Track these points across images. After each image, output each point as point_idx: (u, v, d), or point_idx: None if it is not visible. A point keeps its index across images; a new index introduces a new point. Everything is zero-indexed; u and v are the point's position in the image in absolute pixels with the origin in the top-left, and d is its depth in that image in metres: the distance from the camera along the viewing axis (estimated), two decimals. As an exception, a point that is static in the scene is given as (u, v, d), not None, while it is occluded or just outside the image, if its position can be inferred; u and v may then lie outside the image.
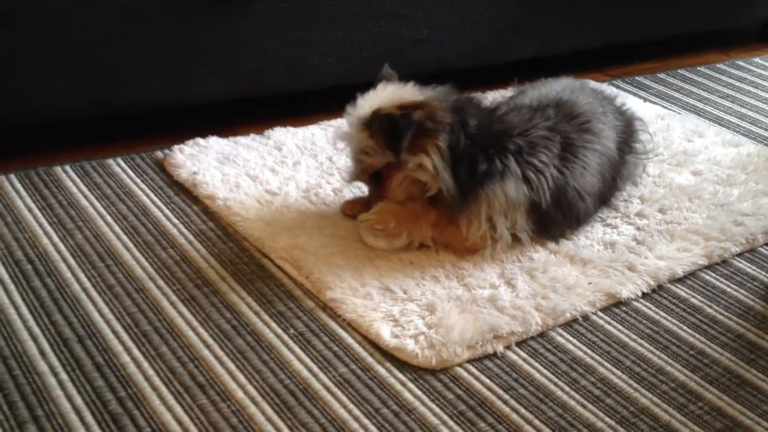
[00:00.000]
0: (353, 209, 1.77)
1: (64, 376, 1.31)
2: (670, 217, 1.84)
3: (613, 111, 1.88)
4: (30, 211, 1.76)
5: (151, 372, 1.33)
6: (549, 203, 1.67)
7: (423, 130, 1.60)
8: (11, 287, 1.51)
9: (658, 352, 1.47)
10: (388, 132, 1.60)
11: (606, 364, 1.43)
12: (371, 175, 1.70)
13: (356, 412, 1.29)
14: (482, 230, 1.64)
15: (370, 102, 1.66)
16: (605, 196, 1.83)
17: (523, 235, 1.68)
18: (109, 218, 1.75)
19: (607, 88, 2.53)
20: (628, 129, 1.89)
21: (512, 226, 1.66)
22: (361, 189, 1.84)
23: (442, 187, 1.61)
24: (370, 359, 1.40)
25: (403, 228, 1.65)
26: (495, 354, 1.43)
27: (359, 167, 1.70)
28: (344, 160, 1.94)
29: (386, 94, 1.67)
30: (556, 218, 1.70)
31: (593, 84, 1.95)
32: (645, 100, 2.51)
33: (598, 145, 1.76)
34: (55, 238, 1.66)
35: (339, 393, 1.32)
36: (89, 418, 1.24)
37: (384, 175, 1.67)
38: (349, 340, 1.44)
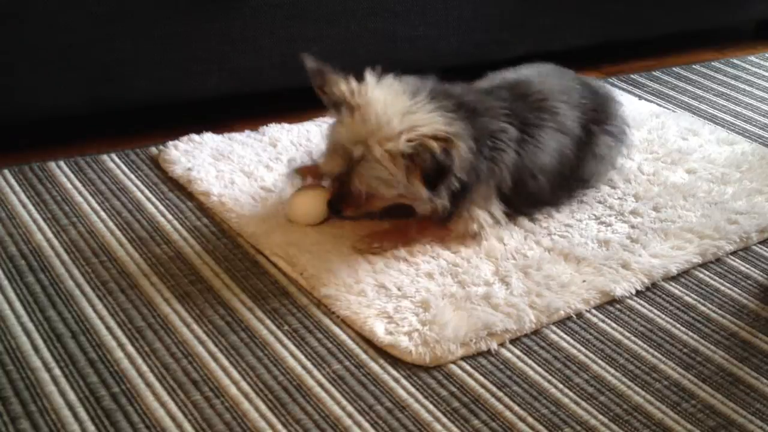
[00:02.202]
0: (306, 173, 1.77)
1: (57, 371, 1.31)
2: (665, 215, 1.85)
3: (579, 90, 1.87)
4: (24, 206, 1.75)
5: (144, 368, 1.33)
6: (510, 187, 1.71)
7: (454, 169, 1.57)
8: (5, 283, 1.51)
9: (651, 350, 1.47)
10: (432, 172, 1.54)
11: (600, 361, 1.43)
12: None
13: (350, 408, 1.29)
14: (468, 226, 1.68)
15: (389, 115, 1.56)
16: (567, 174, 1.82)
17: (497, 213, 1.72)
18: (103, 214, 1.74)
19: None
20: (600, 108, 1.88)
21: (490, 213, 1.71)
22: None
23: (436, 212, 1.65)
24: (363, 356, 1.40)
25: (394, 243, 1.66)
26: (489, 351, 1.43)
27: (364, 188, 1.60)
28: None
29: (405, 108, 1.58)
30: (513, 197, 1.73)
31: (568, 70, 1.95)
32: (640, 98, 2.51)
33: (552, 122, 1.77)
34: (49, 234, 1.66)
35: (333, 389, 1.32)
36: (83, 414, 1.24)
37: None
38: (343, 336, 1.44)
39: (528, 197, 1.76)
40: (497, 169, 1.68)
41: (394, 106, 1.58)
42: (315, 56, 1.65)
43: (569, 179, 1.84)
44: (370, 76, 1.63)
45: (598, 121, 1.87)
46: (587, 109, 1.85)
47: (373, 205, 1.66)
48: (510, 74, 1.86)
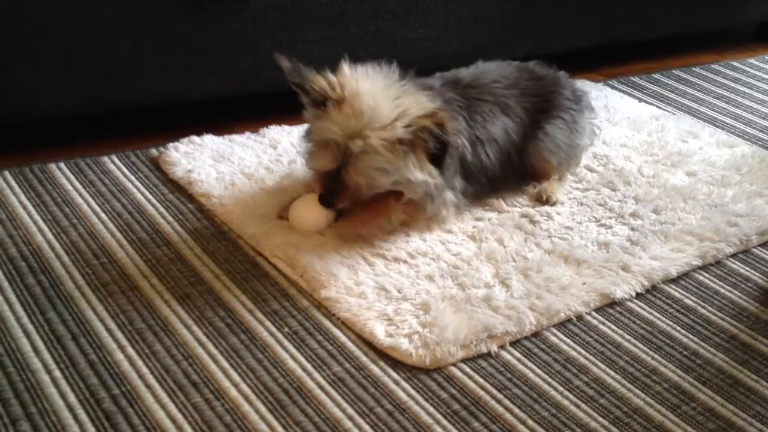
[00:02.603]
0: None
1: (57, 373, 1.31)
2: (665, 217, 1.85)
3: (518, 76, 1.89)
4: (24, 208, 1.75)
5: (144, 370, 1.33)
6: (471, 157, 1.74)
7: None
8: (5, 284, 1.51)
9: (651, 353, 1.47)
10: (437, 149, 1.58)
11: (600, 364, 1.43)
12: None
13: (350, 410, 1.29)
14: (441, 200, 1.71)
15: (377, 102, 1.57)
16: (515, 157, 1.84)
17: (460, 195, 1.75)
18: (103, 216, 1.74)
19: (600, 87, 2.54)
20: (545, 94, 1.90)
21: (455, 189, 1.74)
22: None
23: (423, 200, 1.68)
24: (364, 358, 1.40)
25: (378, 225, 1.68)
26: (489, 353, 1.43)
27: (361, 179, 1.60)
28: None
29: (384, 94, 1.60)
30: (473, 168, 1.76)
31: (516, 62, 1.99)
32: (640, 100, 2.51)
33: (492, 99, 1.80)
34: (50, 236, 1.66)
35: (333, 392, 1.32)
36: (83, 416, 1.23)
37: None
38: (344, 338, 1.44)
39: (482, 169, 1.78)
40: (460, 142, 1.71)
41: (382, 94, 1.60)
42: (286, 56, 1.65)
43: (516, 162, 1.85)
44: (346, 68, 1.65)
45: (544, 108, 1.88)
46: (529, 91, 1.87)
47: (366, 195, 1.66)
48: (445, 73, 1.88)
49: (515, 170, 1.87)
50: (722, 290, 1.66)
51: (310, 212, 1.70)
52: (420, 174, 1.62)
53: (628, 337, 1.50)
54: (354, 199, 1.67)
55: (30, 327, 1.41)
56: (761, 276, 1.71)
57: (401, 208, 1.71)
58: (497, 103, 1.82)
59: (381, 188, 1.65)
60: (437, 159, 1.61)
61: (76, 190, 1.84)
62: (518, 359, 1.43)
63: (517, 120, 1.84)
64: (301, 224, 1.69)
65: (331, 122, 1.60)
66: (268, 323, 1.46)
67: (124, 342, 1.39)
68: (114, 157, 1.98)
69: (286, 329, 1.45)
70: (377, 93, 1.60)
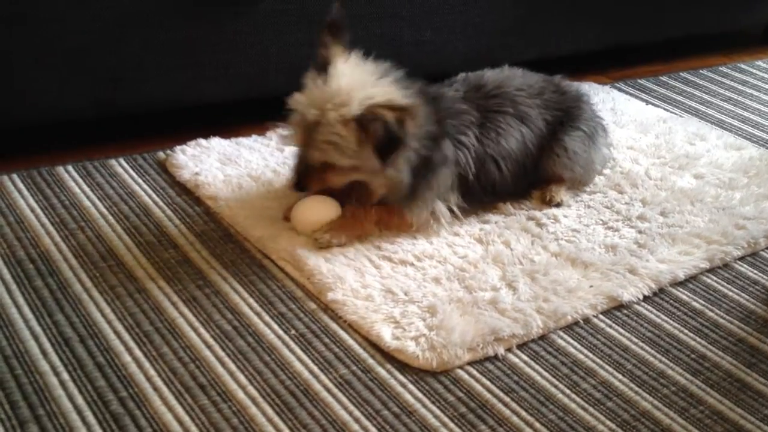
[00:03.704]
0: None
1: (65, 375, 1.31)
2: (672, 220, 1.84)
3: (542, 88, 1.88)
4: (32, 210, 1.76)
5: (152, 372, 1.33)
6: (474, 174, 1.74)
7: (408, 141, 1.60)
8: (13, 287, 1.52)
9: (659, 356, 1.47)
10: (383, 140, 1.56)
11: (607, 367, 1.43)
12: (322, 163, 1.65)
13: (357, 413, 1.29)
14: (426, 215, 1.70)
15: (349, 84, 1.59)
16: (529, 167, 1.83)
17: (455, 208, 1.74)
18: (111, 218, 1.75)
19: (607, 89, 2.54)
20: (567, 107, 1.89)
21: (448, 202, 1.73)
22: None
23: (395, 190, 1.67)
24: (371, 361, 1.40)
25: (352, 236, 1.68)
26: (496, 356, 1.43)
27: (320, 155, 1.61)
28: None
29: (366, 81, 1.61)
30: (476, 185, 1.76)
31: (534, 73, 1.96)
32: (647, 102, 2.51)
33: (512, 110, 1.79)
34: (57, 238, 1.67)
35: (340, 394, 1.32)
36: (90, 418, 1.24)
37: (337, 167, 1.64)
38: (350, 341, 1.44)
39: (489, 186, 1.78)
40: (461, 154, 1.71)
41: (357, 78, 1.61)
42: (342, 10, 1.67)
43: (530, 173, 1.85)
44: (353, 53, 1.65)
45: (565, 119, 1.88)
46: (552, 103, 1.87)
47: (332, 180, 1.66)
48: (470, 74, 1.88)
49: (528, 180, 1.86)
50: (730, 293, 1.65)
51: (311, 213, 1.70)
52: (378, 164, 1.60)
53: (636, 340, 1.50)
54: (325, 183, 1.67)
55: (38, 329, 1.41)
56: (769, 279, 1.71)
57: (378, 217, 1.70)
58: (517, 113, 1.81)
59: (342, 172, 1.63)
60: (383, 152, 1.58)
61: (84, 192, 1.84)
62: (525, 362, 1.43)
63: (537, 130, 1.83)
64: (302, 225, 1.70)
65: (305, 94, 1.63)
66: (275, 326, 1.46)
67: (132, 344, 1.39)
68: (121, 160, 1.98)
69: (293, 332, 1.45)
70: (353, 76, 1.62)
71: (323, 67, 1.62)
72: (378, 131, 1.56)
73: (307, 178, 1.66)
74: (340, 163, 1.62)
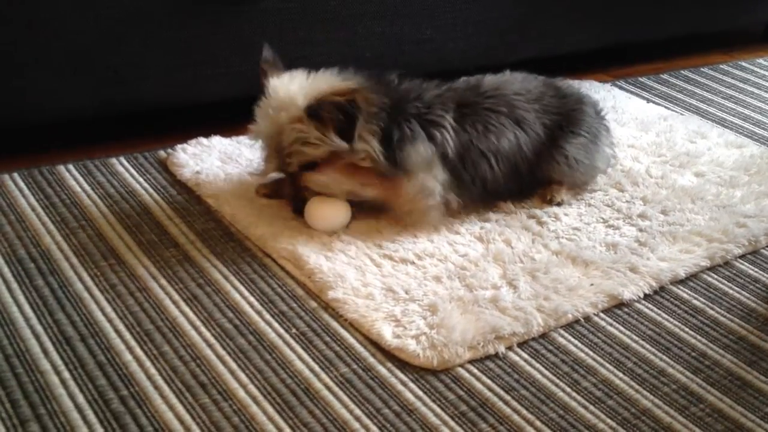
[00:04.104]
0: (267, 189, 1.82)
1: (66, 374, 1.32)
2: (673, 218, 1.84)
3: (542, 92, 1.87)
4: (33, 209, 1.76)
5: (153, 371, 1.34)
6: (455, 155, 1.74)
7: (364, 116, 1.64)
8: (14, 286, 1.52)
9: (659, 354, 1.47)
10: (341, 120, 1.62)
11: (608, 365, 1.43)
12: (302, 166, 1.68)
13: (357, 412, 1.29)
14: (418, 184, 1.70)
15: (289, 90, 1.66)
16: (525, 171, 1.83)
17: (451, 195, 1.74)
18: (111, 217, 1.75)
19: (607, 88, 2.54)
20: (567, 112, 1.88)
21: (435, 178, 1.72)
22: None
23: (377, 167, 1.68)
24: (371, 359, 1.40)
25: (352, 189, 1.71)
26: (496, 355, 1.43)
27: (296, 159, 1.66)
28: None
29: (305, 82, 1.68)
30: (464, 176, 1.76)
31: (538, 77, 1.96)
32: (648, 101, 2.50)
33: (507, 111, 1.80)
34: (58, 237, 1.67)
35: (340, 393, 1.32)
36: (91, 417, 1.24)
37: (321, 164, 1.67)
38: (351, 340, 1.44)
39: (480, 180, 1.78)
40: (437, 133, 1.72)
41: (296, 84, 1.68)
42: (270, 50, 1.76)
43: (526, 176, 1.84)
44: (280, 72, 1.73)
45: (565, 125, 1.87)
46: (551, 108, 1.86)
47: (323, 179, 1.68)
48: (470, 78, 1.89)
49: (525, 184, 1.86)
50: (731, 291, 1.65)
51: (328, 211, 1.70)
52: (345, 143, 1.64)
53: (636, 338, 1.50)
54: (316, 189, 1.69)
55: (39, 328, 1.41)
56: (770, 277, 1.71)
57: (376, 184, 1.72)
58: (512, 115, 1.80)
59: (323, 165, 1.67)
60: (343, 132, 1.63)
61: (85, 191, 1.84)
62: (526, 360, 1.43)
63: (534, 135, 1.82)
64: (319, 223, 1.70)
65: (258, 120, 1.71)
66: (275, 324, 1.46)
67: (133, 343, 1.39)
68: (122, 159, 1.98)
69: (294, 330, 1.46)
70: (292, 84, 1.68)
71: (262, 92, 1.70)
72: (332, 114, 1.61)
73: (300, 192, 1.71)
74: (315, 154, 1.65)
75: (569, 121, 1.88)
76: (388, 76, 1.79)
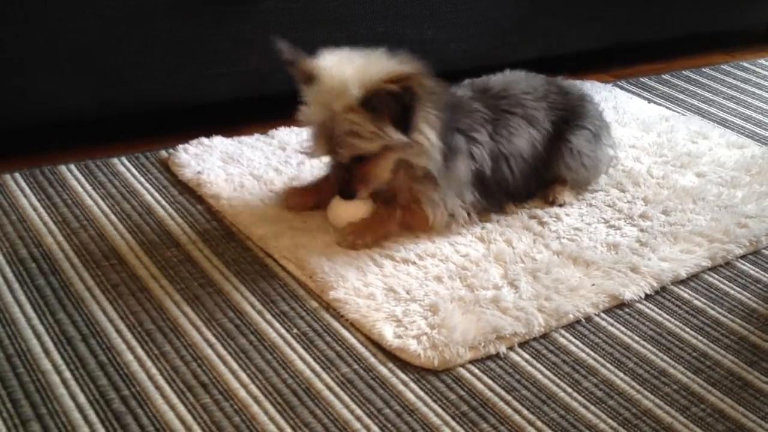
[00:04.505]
0: (304, 202, 1.76)
1: (67, 374, 1.32)
2: (674, 218, 1.84)
3: (546, 89, 1.87)
4: (34, 209, 1.76)
5: (154, 371, 1.34)
6: (491, 170, 1.73)
7: (422, 104, 1.57)
8: (15, 286, 1.52)
9: (660, 354, 1.47)
10: (397, 111, 1.53)
11: (609, 365, 1.43)
12: (354, 158, 1.62)
13: (358, 412, 1.29)
14: (445, 214, 1.69)
15: (343, 75, 1.56)
16: (539, 168, 1.83)
17: (471, 208, 1.73)
18: (113, 217, 1.75)
19: (609, 88, 2.54)
20: (570, 107, 1.89)
21: (463, 202, 1.72)
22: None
23: (429, 165, 1.64)
24: (372, 359, 1.40)
25: (377, 237, 1.67)
26: (497, 355, 1.43)
27: (348, 151, 1.59)
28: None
29: (358, 65, 1.58)
30: (492, 186, 1.75)
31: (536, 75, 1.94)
32: (649, 101, 2.50)
33: (521, 112, 1.79)
34: (60, 237, 1.67)
35: (341, 393, 1.32)
36: (92, 417, 1.24)
37: (372, 157, 1.61)
38: (352, 340, 1.44)
39: (504, 185, 1.78)
40: (476, 149, 1.70)
41: (348, 66, 1.58)
42: (286, 42, 1.65)
43: (539, 174, 1.84)
44: (326, 52, 1.63)
45: (570, 119, 1.87)
46: (556, 105, 1.86)
47: (375, 173, 1.64)
48: (474, 80, 1.87)
49: (537, 182, 1.86)
50: (732, 292, 1.65)
51: (353, 210, 1.69)
52: (402, 135, 1.57)
53: (637, 338, 1.50)
54: (369, 181, 1.64)
55: (40, 328, 1.42)
56: (771, 277, 1.71)
57: (401, 218, 1.70)
58: (525, 115, 1.80)
59: (375, 158, 1.60)
60: (401, 123, 1.55)
61: (86, 191, 1.84)
62: (527, 361, 1.43)
63: (544, 132, 1.82)
64: (339, 222, 1.70)
65: (309, 105, 1.62)
66: (277, 324, 1.47)
67: (134, 343, 1.39)
68: (124, 159, 1.98)
69: (295, 330, 1.46)
70: (343, 66, 1.58)
71: (309, 78, 1.60)
72: (389, 105, 1.53)
73: (351, 182, 1.64)
74: (369, 148, 1.58)
75: (574, 115, 1.88)
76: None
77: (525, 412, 1.31)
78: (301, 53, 1.63)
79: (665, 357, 1.46)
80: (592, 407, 1.34)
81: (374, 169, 1.64)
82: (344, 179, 1.66)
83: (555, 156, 1.85)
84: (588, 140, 1.89)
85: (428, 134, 1.61)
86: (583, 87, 1.99)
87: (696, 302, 1.61)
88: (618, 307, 1.58)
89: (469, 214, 1.74)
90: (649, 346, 1.48)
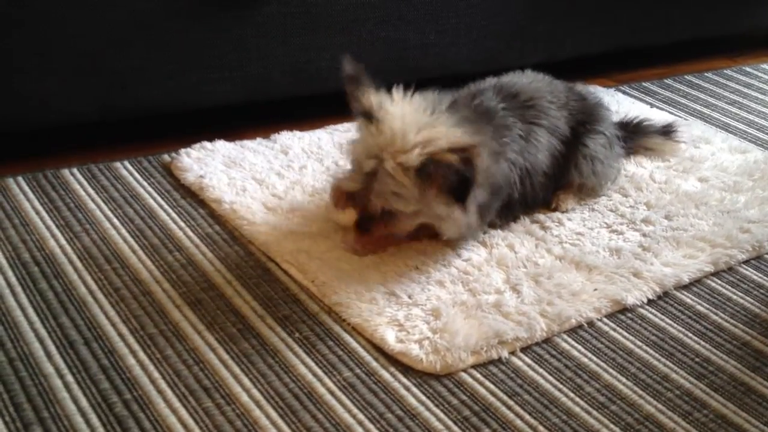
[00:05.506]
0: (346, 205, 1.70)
1: (70, 378, 1.32)
2: (677, 223, 1.84)
3: (566, 94, 1.87)
4: (37, 213, 1.76)
5: (156, 375, 1.34)
6: (518, 194, 1.72)
7: (479, 177, 1.52)
8: (18, 289, 1.52)
9: (663, 359, 1.46)
10: (455, 185, 1.49)
11: (611, 370, 1.43)
12: (383, 211, 1.57)
13: (360, 416, 1.29)
14: (463, 233, 1.67)
15: (404, 128, 1.51)
16: (556, 175, 1.82)
17: (486, 227, 1.73)
18: (116, 221, 1.75)
19: (611, 93, 2.54)
20: (588, 112, 1.89)
21: (484, 223, 1.70)
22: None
23: (454, 237, 1.65)
24: (374, 364, 1.40)
25: (384, 246, 1.66)
26: (500, 359, 1.43)
27: (380, 203, 1.55)
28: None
29: (422, 121, 1.53)
30: (515, 203, 1.74)
31: (552, 79, 1.93)
32: (652, 106, 2.50)
33: (545, 121, 1.78)
34: (62, 241, 1.67)
35: (343, 397, 1.32)
36: (95, 421, 1.24)
37: (400, 214, 1.58)
38: (354, 344, 1.44)
39: (525, 200, 1.77)
40: (513, 175, 1.69)
41: (412, 120, 1.54)
42: (354, 61, 1.60)
43: (554, 180, 1.84)
44: (396, 92, 1.60)
45: (587, 123, 1.87)
46: (575, 111, 1.86)
47: (396, 226, 1.61)
48: (495, 79, 1.85)
49: (551, 190, 1.86)
50: (734, 297, 1.65)
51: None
52: (444, 209, 1.55)
53: (640, 343, 1.50)
54: (389, 229, 1.61)
55: (43, 332, 1.42)
56: (774, 282, 1.70)
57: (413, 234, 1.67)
58: (550, 126, 1.79)
59: (405, 219, 1.58)
60: (457, 196, 1.52)
61: (89, 195, 1.85)
62: (529, 365, 1.43)
63: (563, 139, 1.82)
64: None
65: (360, 142, 1.59)
66: (278, 328, 1.46)
67: (136, 347, 1.39)
68: (126, 163, 1.99)
69: (297, 335, 1.46)
70: (406, 117, 1.54)
71: (368, 114, 1.56)
72: (447, 177, 1.49)
73: (371, 222, 1.60)
74: (404, 209, 1.56)
75: (591, 118, 1.88)
76: (463, 93, 1.72)
77: (527, 417, 1.31)
78: (364, 80, 1.58)
79: (668, 362, 1.46)
80: (595, 412, 1.33)
81: (399, 224, 1.61)
82: (365, 214, 1.61)
83: (569, 161, 1.84)
84: (603, 146, 1.89)
85: (470, 209, 1.57)
86: (600, 95, 1.97)
87: (699, 307, 1.61)
88: (620, 312, 1.58)
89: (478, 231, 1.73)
90: (651, 351, 1.48)
